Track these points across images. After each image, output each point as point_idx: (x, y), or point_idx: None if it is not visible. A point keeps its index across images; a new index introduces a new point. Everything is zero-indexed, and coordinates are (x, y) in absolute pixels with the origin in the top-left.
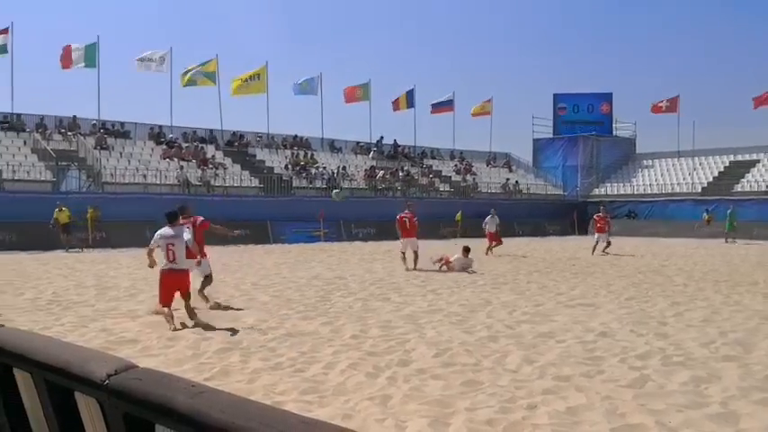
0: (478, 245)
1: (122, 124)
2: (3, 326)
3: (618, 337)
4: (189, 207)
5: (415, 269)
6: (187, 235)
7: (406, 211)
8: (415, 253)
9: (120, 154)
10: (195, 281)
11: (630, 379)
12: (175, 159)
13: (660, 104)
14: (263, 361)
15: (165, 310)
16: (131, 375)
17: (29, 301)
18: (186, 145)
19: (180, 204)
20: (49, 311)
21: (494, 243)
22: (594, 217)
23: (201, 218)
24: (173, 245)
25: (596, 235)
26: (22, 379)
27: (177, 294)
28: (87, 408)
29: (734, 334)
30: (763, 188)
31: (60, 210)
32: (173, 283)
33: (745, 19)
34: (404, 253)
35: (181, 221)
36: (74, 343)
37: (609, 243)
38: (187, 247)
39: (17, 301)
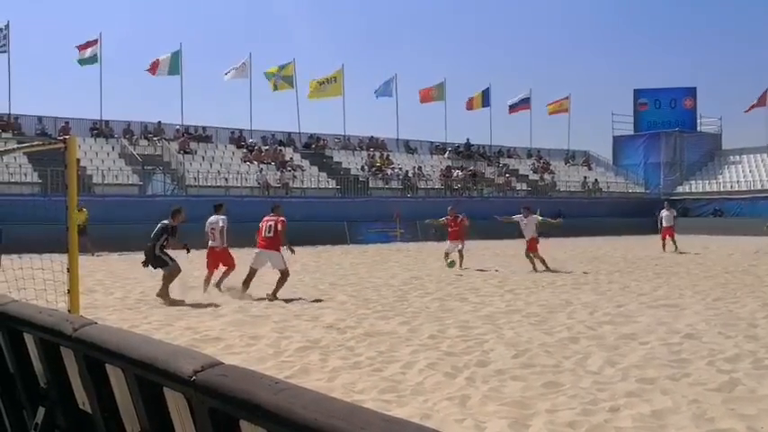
0: (561, 243)
1: (204, 129)
2: (96, 323)
3: (705, 339)
4: (280, 205)
5: (460, 268)
6: (221, 223)
7: (449, 216)
8: (460, 253)
9: (203, 158)
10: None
11: (719, 382)
12: (255, 162)
13: (751, 106)
14: (342, 360)
15: (206, 275)
16: (217, 372)
17: (118, 300)
18: (265, 148)
19: (217, 203)
20: (138, 310)
21: (669, 237)
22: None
23: (283, 218)
24: (213, 229)
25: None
26: (114, 374)
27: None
28: (175, 403)
29: None
30: None
31: (80, 210)
32: (214, 257)
33: None
34: (447, 253)
35: (271, 216)
36: (162, 340)
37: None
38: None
39: (107, 300)
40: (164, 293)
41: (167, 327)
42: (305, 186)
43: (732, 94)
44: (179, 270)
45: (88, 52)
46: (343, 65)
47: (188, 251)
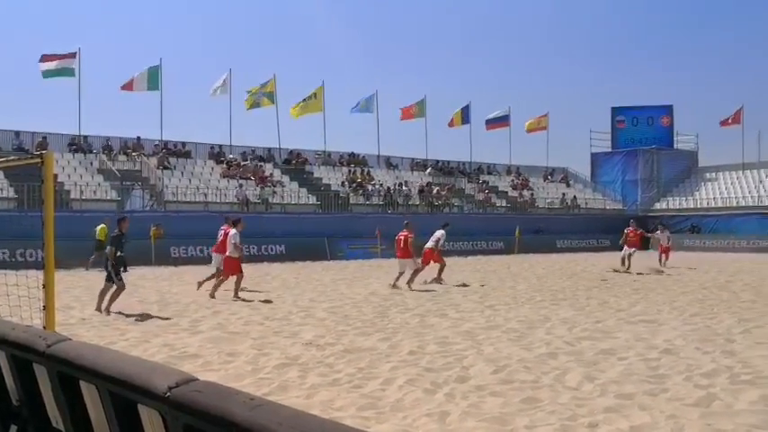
0: (540, 260)
1: (184, 144)
2: (70, 339)
3: (682, 355)
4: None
5: (407, 284)
6: (236, 237)
7: (404, 231)
8: (414, 272)
9: (182, 173)
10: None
11: (696, 397)
12: (235, 178)
13: (727, 119)
14: (321, 377)
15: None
16: (192, 388)
17: (95, 317)
18: (245, 163)
19: (235, 218)
20: (115, 327)
21: (664, 256)
22: (626, 230)
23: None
24: (235, 243)
25: (626, 249)
26: (88, 391)
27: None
28: (149, 420)
29: None
30: None
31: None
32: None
33: None
34: (401, 273)
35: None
36: (138, 357)
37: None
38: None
39: (85, 316)
40: (101, 306)
41: (144, 343)
42: (285, 202)
43: (708, 113)
44: (123, 289)
45: (54, 64)
46: (324, 81)
47: (125, 269)
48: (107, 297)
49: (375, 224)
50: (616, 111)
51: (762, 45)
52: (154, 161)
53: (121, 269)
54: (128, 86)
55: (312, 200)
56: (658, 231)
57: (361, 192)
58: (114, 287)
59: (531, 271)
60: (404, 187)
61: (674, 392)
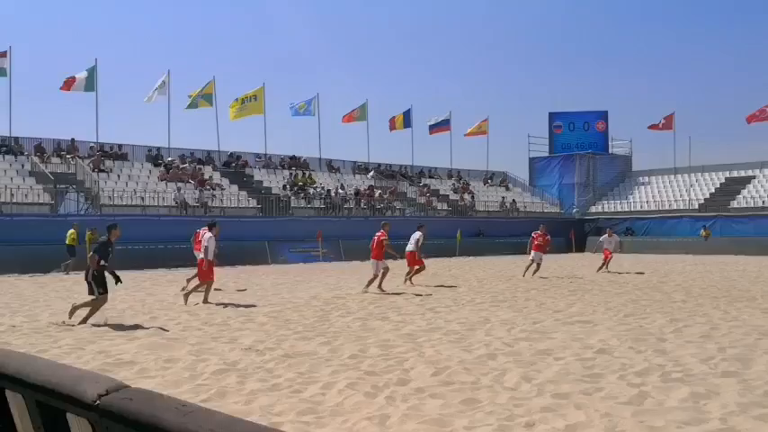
0: (481, 262)
1: (120, 147)
2: None
3: (617, 354)
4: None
5: (379, 288)
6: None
7: (380, 231)
8: (383, 273)
9: (118, 176)
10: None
11: (629, 396)
12: (173, 181)
13: (657, 124)
14: (260, 382)
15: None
16: (122, 395)
17: (26, 324)
18: (184, 166)
19: (211, 222)
20: (47, 334)
21: (608, 259)
22: (533, 234)
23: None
24: (207, 247)
25: (533, 254)
26: (14, 401)
27: None
28: (79, 428)
29: (732, 350)
30: (759, 204)
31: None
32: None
33: (738, 36)
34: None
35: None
36: (69, 365)
37: (539, 265)
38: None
39: (14, 322)
40: (80, 314)
41: (78, 351)
42: (225, 205)
43: (642, 119)
44: (105, 301)
45: None
46: (264, 83)
47: (117, 281)
48: (82, 309)
49: (317, 228)
50: (553, 116)
51: (693, 52)
52: (89, 163)
53: (116, 282)
54: (66, 86)
55: (252, 203)
56: (605, 235)
57: (302, 195)
58: (97, 300)
59: (472, 273)
60: (341, 190)
61: (609, 391)
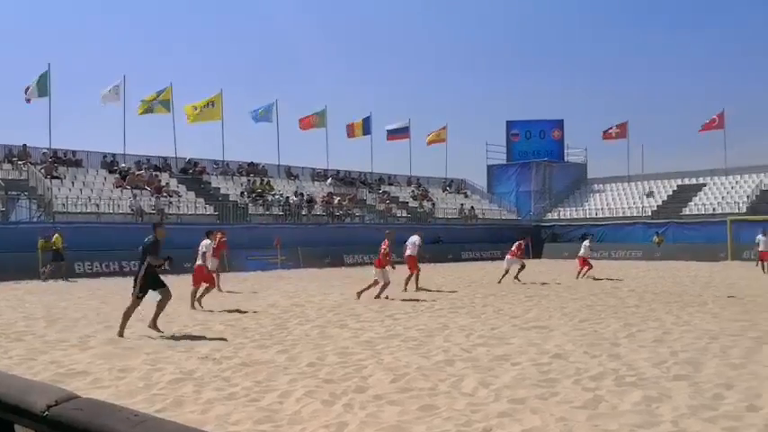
0: (440, 269)
1: (74, 153)
2: None
3: (572, 359)
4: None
5: (378, 297)
6: (206, 247)
7: (385, 241)
8: (384, 285)
9: (72, 183)
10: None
11: (584, 400)
12: (129, 188)
13: (611, 131)
14: (217, 391)
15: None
16: (72, 406)
17: None
18: (140, 173)
19: (208, 230)
20: None
21: (585, 268)
22: (518, 242)
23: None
24: (205, 252)
25: (506, 260)
26: None
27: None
28: None
29: (684, 353)
30: (710, 211)
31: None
32: (198, 275)
33: (690, 46)
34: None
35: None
36: (18, 375)
37: (519, 270)
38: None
39: None
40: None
41: (30, 361)
42: (181, 212)
43: (597, 127)
44: (137, 305)
45: None
46: (222, 89)
47: (170, 263)
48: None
49: (275, 234)
50: (510, 124)
51: (647, 62)
52: (41, 170)
53: (160, 285)
54: (29, 97)
55: (210, 210)
56: (586, 242)
57: (260, 202)
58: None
59: (431, 280)
60: (296, 196)
61: (564, 396)
